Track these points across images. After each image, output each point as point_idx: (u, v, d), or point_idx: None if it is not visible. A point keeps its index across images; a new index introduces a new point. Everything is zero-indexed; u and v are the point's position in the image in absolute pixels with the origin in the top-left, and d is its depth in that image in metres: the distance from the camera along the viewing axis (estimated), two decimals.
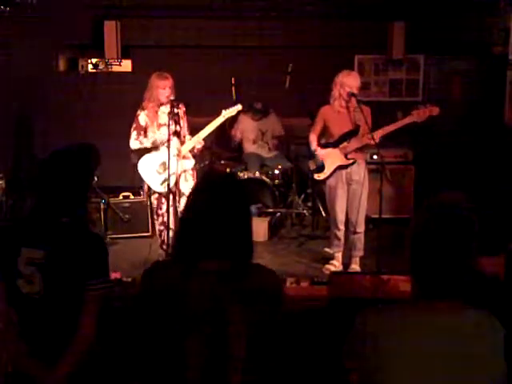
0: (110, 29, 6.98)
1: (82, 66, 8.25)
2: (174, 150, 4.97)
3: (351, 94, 4.83)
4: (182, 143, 5.13)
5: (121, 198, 6.35)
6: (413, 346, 1.61)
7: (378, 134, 4.78)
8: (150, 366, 1.76)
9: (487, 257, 3.20)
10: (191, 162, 5.21)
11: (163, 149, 5.04)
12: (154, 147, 5.12)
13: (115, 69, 7.70)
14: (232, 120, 6.36)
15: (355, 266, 5.10)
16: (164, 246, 5.17)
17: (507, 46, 7.14)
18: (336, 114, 4.94)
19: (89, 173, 2.35)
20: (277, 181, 6.48)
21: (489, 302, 1.79)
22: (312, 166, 5.13)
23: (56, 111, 7.20)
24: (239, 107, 5.29)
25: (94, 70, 8.10)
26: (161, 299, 1.75)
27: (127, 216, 6.19)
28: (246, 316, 1.71)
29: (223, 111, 5.19)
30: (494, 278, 3.14)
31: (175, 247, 1.86)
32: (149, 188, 5.28)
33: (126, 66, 7.59)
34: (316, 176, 5.09)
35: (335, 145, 4.97)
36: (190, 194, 1.93)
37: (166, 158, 4.88)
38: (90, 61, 8.26)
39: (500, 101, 7.22)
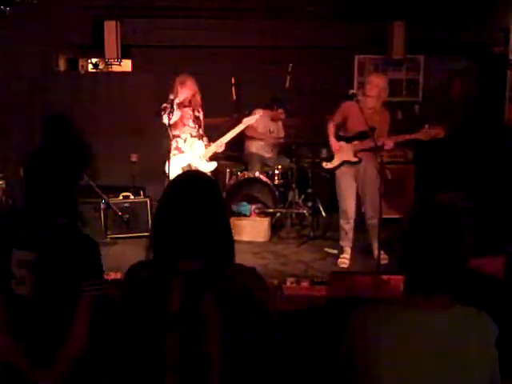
0: (110, 29, 6.97)
1: (82, 66, 8.26)
2: (199, 153, 5.58)
3: (351, 94, 5.05)
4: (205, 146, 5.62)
5: (121, 198, 6.34)
6: (401, 344, 1.63)
7: (391, 142, 4.98)
8: (125, 366, 1.75)
9: (487, 257, 3.21)
10: (213, 165, 5.68)
11: (188, 152, 5.54)
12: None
13: (115, 69, 7.71)
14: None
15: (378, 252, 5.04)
16: None
17: (507, 46, 7.14)
18: (358, 111, 5.00)
19: (75, 171, 2.32)
20: (277, 181, 6.48)
21: (488, 302, 1.79)
22: (324, 154, 5.51)
23: (56, 111, 7.20)
24: (258, 116, 5.80)
25: (94, 70, 8.12)
26: (139, 298, 1.75)
27: (127, 216, 6.18)
28: (221, 317, 1.68)
29: (244, 119, 5.66)
30: (494, 278, 3.15)
31: (154, 247, 1.83)
32: None
33: (126, 65, 7.59)
34: (324, 164, 5.36)
35: (349, 140, 5.19)
36: (164, 193, 1.87)
37: (191, 160, 5.51)
38: (89, 61, 8.28)
39: (500, 101, 7.22)
